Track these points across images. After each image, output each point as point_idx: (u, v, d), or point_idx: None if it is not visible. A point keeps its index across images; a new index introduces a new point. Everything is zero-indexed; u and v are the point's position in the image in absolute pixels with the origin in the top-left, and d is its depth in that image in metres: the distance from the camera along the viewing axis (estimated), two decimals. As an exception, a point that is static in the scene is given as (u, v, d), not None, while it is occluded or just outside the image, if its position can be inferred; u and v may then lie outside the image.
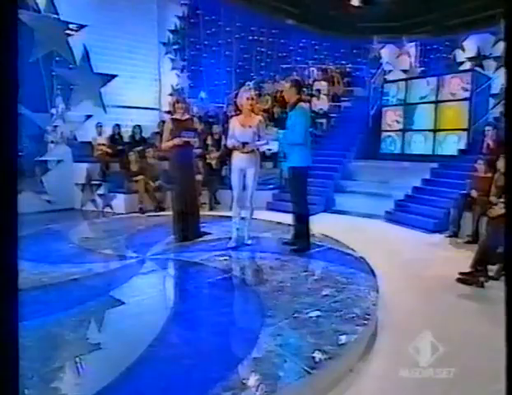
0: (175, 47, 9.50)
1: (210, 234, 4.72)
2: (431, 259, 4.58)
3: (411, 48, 11.94)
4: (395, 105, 9.29)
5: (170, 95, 9.58)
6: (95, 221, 6.22)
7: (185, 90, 9.80)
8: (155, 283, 3.35)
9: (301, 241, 4.15)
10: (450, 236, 5.66)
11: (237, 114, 4.57)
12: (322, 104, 10.13)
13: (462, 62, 11.25)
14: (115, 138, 7.95)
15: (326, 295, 2.88)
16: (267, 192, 7.88)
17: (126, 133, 8.15)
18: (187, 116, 4.60)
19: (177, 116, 4.51)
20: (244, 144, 4.02)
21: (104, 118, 7.93)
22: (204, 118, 9.24)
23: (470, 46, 11.17)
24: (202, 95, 10.16)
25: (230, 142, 4.17)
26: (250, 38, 11.39)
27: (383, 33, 12.53)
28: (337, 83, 11.11)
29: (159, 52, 9.27)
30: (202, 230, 4.75)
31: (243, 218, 4.29)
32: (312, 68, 11.71)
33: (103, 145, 7.67)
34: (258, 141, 4.10)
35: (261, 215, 6.85)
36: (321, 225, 5.26)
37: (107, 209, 7.17)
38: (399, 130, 9.19)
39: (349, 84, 11.49)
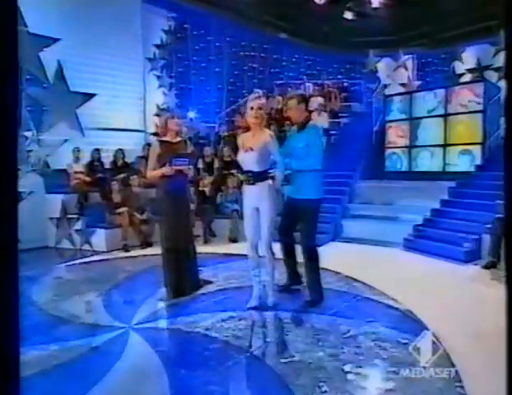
0: (161, 63, 8.74)
1: (211, 282, 3.82)
2: (485, 302, 3.73)
3: (409, 61, 11.49)
4: (399, 120, 8.66)
5: (157, 115, 8.77)
6: (70, 266, 5.18)
7: (172, 109, 9.00)
8: (139, 381, 2.21)
9: (314, 288, 3.30)
10: (487, 267, 4.89)
11: (246, 130, 3.60)
12: (322, 120, 9.46)
13: (461, 74, 10.86)
14: (94, 165, 7.04)
15: (391, 392, 2.01)
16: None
17: (107, 159, 7.25)
18: (178, 138, 3.76)
19: (167, 138, 3.67)
20: (247, 173, 3.17)
21: (81, 142, 7.05)
22: (194, 140, 8.43)
23: (469, 57, 10.80)
24: (191, 114, 9.37)
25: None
26: (241, 53, 10.75)
27: (377, 47, 12.11)
28: (335, 99, 10.51)
29: (143, 68, 8.49)
30: (200, 275, 3.87)
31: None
32: (308, 84, 11.11)
33: (80, 172, 6.74)
34: (270, 168, 3.19)
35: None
36: (333, 258, 4.44)
37: (86, 246, 6.20)
38: (405, 147, 8.53)
39: (346, 99, 10.92)
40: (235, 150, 8.27)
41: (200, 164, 7.63)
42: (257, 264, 3.27)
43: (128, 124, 8.04)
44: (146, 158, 7.68)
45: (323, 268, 3.46)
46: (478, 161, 7.29)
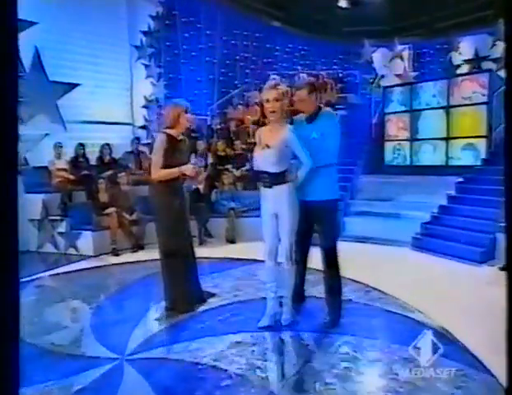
0: (149, 51, 8.16)
1: (214, 295, 3.41)
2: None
3: (405, 51, 11.17)
4: (399, 112, 8.34)
5: (144, 107, 8.22)
6: (53, 277, 4.62)
7: (161, 100, 8.46)
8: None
9: (334, 304, 2.92)
10: (504, 269, 4.61)
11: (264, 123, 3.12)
12: (318, 113, 9.06)
13: (459, 65, 10.60)
14: (79, 161, 6.48)
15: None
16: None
17: (92, 154, 6.70)
18: (182, 136, 3.36)
19: (173, 133, 3.24)
20: (262, 175, 2.74)
21: (63, 136, 6.48)
22: (185, 133, 7.93)
23: (467, 48, 10.53)
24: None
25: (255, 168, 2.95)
26: (233, 42, 10.22)
27: (372, 37, 11.74)
28: (331, 90, 10.12)
29: (130, 56, 7.90)
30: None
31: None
32: (302, 74, 10.67)
33: (63, 170, 6.18)
34: (288, 170, 2.73)
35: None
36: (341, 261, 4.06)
37: (71, 250, 5.69)
38: (406, 140, 8.24)
39: (342, 90, 10.55)
40: (231, 144, 7.92)
41: (193, 160, 7.15)
42: (274, 276, 2.87)
43: (114, 117, 7.48)
44: (135, 153, 7.19)
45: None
46: (483, 155, 7.05)
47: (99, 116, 7.13)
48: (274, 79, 2.81)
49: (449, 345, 2.46)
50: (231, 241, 6.13)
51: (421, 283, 3.94)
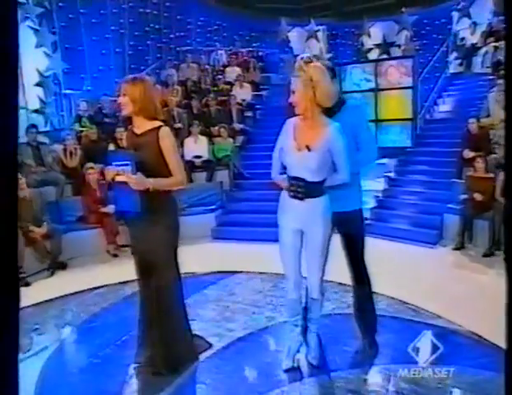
0: (38, 11, 6.39)
1: (210, 345, 2.60)
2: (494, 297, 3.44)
3: (319, 32, 11.16)
4: (327, 94, 8.24)
5: (38, 85, 6.50)
6: None
7: (59, 76, 6.83)
8: None
9: (368, 328, 2.51)
10: (457, 248, 4.81)
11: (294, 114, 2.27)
12: (245, 93, 8.45)
13: (370, 49, 11.04)
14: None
15: None
16: (208, 216, 5.89)
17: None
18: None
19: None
20: (295, 182, 2.10)
21: None
22: (98, 118, 6.55)
23: (377, 33, 11.00)
24: (87, 84, 7.31)
25: (275, 175, 2.23)
26: (141, 10, 8.81)
27: (285, 14, 11.47)
28: (253, 69, 9.56)
29: (10, 16, 6.06)
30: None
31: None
32: (220, 51, 9.86)
33: None
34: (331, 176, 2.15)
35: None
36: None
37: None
38: (335, 122, 8.21)
39: (263, 70, 10.07)
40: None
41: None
42: (298, 310, 2.27)
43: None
44: (33, 146, 5.58)
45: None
46: (409, 137, 7.38)
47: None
48: (306, 57, 2.12)
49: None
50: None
51: (385, 269, 3.79)
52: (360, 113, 2.42)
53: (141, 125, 2.20)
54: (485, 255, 4.50)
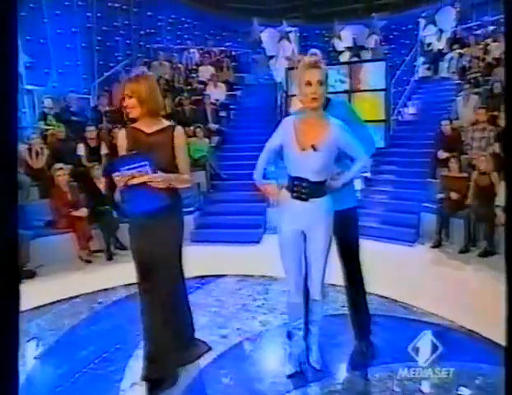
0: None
1: (210, 349, 2.47)
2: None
3: (291, 33, 11.21)
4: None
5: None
6: None
7: (23, 74, 6.37)
8: None
9: (363, 328, 2.47)
10: (435, 246, 4.93)
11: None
12: (219, 92, 8.30)
13: (341, 52, 11.22)
14: None
15: None
16: (186, 218, 5.67)
17: None
18: None
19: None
20: (298, 183, 2.02)
21: None
22: (65, 116, 6.18)
23: (347, 36, 11.20)
24: (52, 80, 6.88)
25: (258, 177, 2.20)
26: (110, 4, 8.44)
27: (256, 15, 11.44)
28: (227, 69, 9.44)
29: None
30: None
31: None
32: (192, 50, 9.65)
33: None
34: (337, 175, 2.11)
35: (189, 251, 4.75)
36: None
37: None
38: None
39: (235, 70, 9.97)
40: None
41: (82, 151, 5.59)
42: (301, 313, 2.18)
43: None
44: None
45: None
46: (383, 138, 7.55)
47: None
48: (315, 53, 2.03)
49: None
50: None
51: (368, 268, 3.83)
52: (347, 108, 2.39)
53: (150, 124, 2.13)
54: (461, 252, 4.64)
